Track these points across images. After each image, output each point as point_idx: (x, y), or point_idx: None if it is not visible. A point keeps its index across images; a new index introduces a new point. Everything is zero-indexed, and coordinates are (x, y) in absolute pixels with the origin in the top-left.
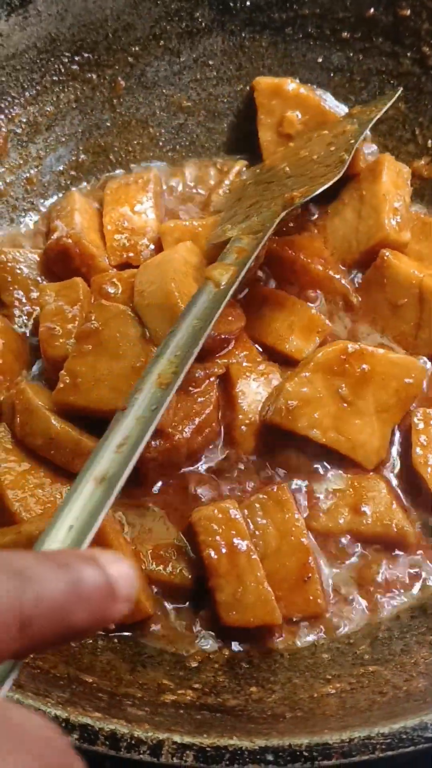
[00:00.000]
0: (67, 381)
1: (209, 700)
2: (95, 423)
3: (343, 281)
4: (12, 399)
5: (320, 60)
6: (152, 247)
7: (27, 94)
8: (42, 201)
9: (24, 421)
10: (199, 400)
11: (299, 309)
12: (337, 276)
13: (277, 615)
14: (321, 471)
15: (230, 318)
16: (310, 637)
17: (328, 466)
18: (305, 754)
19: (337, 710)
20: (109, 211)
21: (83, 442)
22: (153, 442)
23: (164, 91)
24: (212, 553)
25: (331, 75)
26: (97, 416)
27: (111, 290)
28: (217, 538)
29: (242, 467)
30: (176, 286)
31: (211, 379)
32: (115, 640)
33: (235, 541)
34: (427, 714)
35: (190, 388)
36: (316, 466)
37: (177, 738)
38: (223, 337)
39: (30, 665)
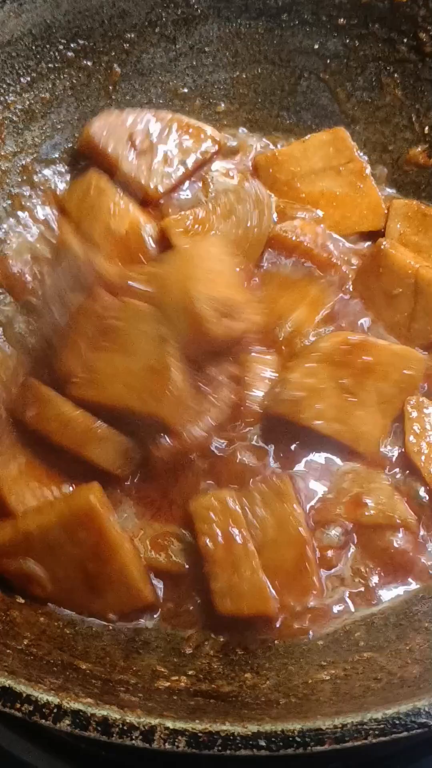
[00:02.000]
0: (84, 376)
1: (203, 687)
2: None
3: (344, 268)
4: (18, 394)
5: (316, 46)
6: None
7: (22, 81)
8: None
9: (38, 411)
10: (214, 401)
11: (306, 284)
12: (338, 262)
13: (271, 605)
14: (323, 461)
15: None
16: (306, 626)
17: (330, 457)
18: (297, 739)
19: (330, 696)
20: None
21: (96, 427)
22: (163, 440)
23: (160, 78)
24: (208, 541)
25: (327, 62)
26: (109, 413)
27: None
28: (214, 526)
29: (244, 456)
30: (195, 284)
31: (225, 378)
32: (111, 627)
33: (232, 530)
34: (420, 700)
35: (203, 386)
36: (317, 456)
37: (169, 723)
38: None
39: (24, 651)
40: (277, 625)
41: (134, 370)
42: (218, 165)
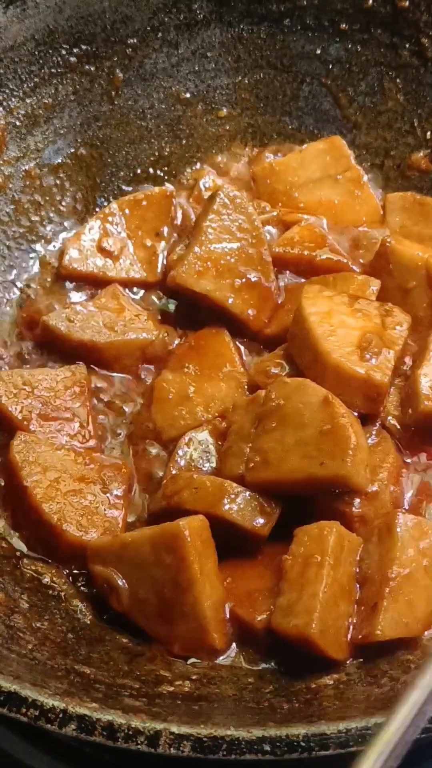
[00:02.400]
0: (258, 459)
1: (206, 691)
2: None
3: (353, 266)
4: None
5: (318, 51)
6: None
7: (25, 86)
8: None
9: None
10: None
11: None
12: (345, 260)
13: (311, 630)
14: None
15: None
16: None
17: None
18: (302, 744)
19: (333, 701)
20: None
21: (228, 485)
22: (349, 498)
23: (162, 83)
24: (289, 561)
25: (329, 67)
26: (286, 489)
27: (276, 370)
28: (301, 549)
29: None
30: (324, 347)
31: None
32: (114, 632)
33: (315, 556)
34: (426, 704)
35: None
36: None
37: (174, 728)
38: None
39: (27, 656)
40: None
41: (307, 439)
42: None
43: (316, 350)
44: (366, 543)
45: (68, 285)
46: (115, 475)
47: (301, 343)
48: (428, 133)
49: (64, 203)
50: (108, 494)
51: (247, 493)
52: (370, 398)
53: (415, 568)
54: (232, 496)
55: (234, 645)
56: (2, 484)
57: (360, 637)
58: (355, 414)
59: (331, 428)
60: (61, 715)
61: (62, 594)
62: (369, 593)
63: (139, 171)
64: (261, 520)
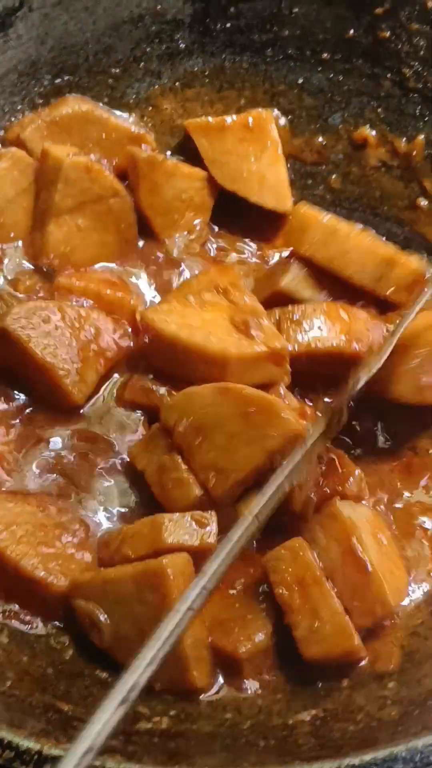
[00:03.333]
0: (213, 474)
1: (183, 728)
2: None
3: None
4: None
5: (300, 81)
6: None
7: (8, 116)
8: None
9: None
10: None
11: None
12: None
13: (356, 641)
14: None
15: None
16: None
17: None
18: None
19: (309, 739)
20: None
21: (161, 516)
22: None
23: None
24: (283, 591)
25: (312, 96)
26: (254, 478)
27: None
28: (287, 576)
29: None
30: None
31: None
32: (93, 667)
33: (305, 576)
34: (397, 745)
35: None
36: None
37: None
38: None
39: (6, 693)
40: (363, 663)
41: (236, 429)
42: None
43: (207, 355)
44: (312, 542)
45: None
46: (71, 519)
47: (178, 358)
48: (411, 163)
49: None
50: (73, 537)
51: (178, 515)
52: (279, 365)
53: (378, 542)
54: (168, 525)
55: (218, 681)
56: None
57: (373, 619)
58: None
59: (253, 407)
60: (36, 757)
61: (42, 629)
62: (350, 581)
63: None
64: (204, 531)
